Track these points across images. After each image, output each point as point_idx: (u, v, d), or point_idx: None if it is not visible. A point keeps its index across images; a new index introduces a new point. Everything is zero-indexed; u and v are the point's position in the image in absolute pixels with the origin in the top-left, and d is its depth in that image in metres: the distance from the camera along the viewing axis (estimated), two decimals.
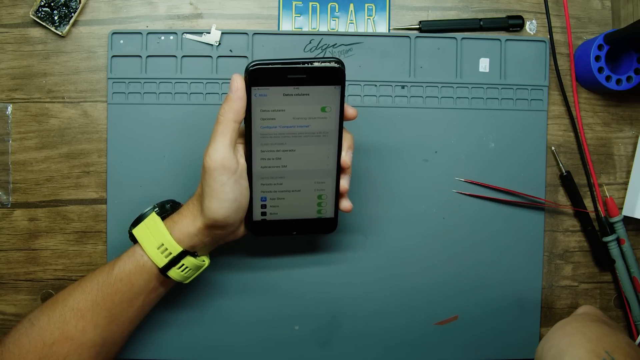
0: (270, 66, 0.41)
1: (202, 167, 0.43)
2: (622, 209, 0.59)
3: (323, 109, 0.44)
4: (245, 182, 0.45)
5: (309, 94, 0.43)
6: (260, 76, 0.42)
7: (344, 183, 0.47)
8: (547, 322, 0.59)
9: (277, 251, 0.56)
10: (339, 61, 0.42)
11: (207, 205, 0.43)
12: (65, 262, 0.56)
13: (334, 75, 0.42)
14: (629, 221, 0.59)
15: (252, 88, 0.42)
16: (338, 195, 0.48)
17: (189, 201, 0.47)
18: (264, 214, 0.48)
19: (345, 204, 0.48)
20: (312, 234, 0.51)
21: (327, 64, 0.42)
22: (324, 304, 0.57)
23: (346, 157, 0.46)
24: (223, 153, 0.42)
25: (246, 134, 0.44)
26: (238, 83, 0.42)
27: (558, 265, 0.59)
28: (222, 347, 0.56)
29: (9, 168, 0.56)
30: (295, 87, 0.42)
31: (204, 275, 0.50)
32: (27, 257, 0.56)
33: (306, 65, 0.41)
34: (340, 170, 0.47)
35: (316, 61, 0.42)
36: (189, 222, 0.45)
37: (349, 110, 0.45)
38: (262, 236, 0.49)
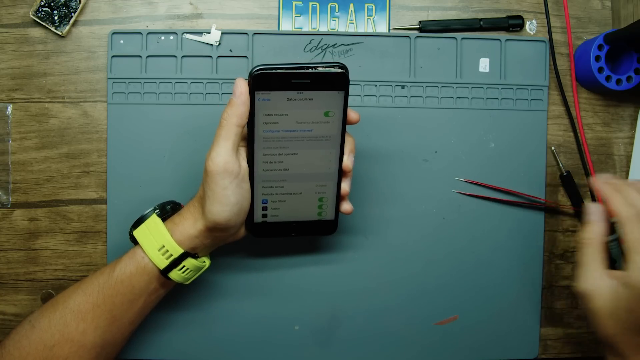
0: (274, 71, 0.41)
1: (204, 170, 0.43)
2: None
3: (326, 114, 0.43)
4: (247, 185, 0.45)
5: (312, 99, 0.42)
6: (264, 81, 0.41)
7: (345, 186, 0.47)
8: (547, 322, 0.59)
9: (278, 252, 0.56)
10: (342, 66, 0.42)
11: (209, 208, 0.43)
12: (65, 262, 0.56)
13: (338, 81, 0.42)
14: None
15: (256, 92, 0.42)
16: (339, 197, 0.48)
17: (190, 203, 0.47)
18: (264, 215, 0.48)
19: (346, 206, 0.49)
20: (312, 236, 0.51)
21: (332, 69, 0.42)
22: (324, 304, 0.57)
23: (348, 161, 0.46)
24: (225, 157, 0.42)
25: (249, 138, 0.44)
26: (242, 87, 0.42)
27: (558, 265, 0.59)
28: (222, 347, 0.56)
29: (9, 168, 0.56)
30: (299, 92, 0.42)
31: (204, 275, 0.50)
32: (27, 257, 0.56)
33: (310, 70, 0.41)
34: (341, 173, 0.47)
35: (320, 66, 0.41)
36: (190, 224, 0.45)
37: (352, 115, 0.45)
38: (262, 237, 0.49)
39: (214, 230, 0.45)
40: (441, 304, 0.57)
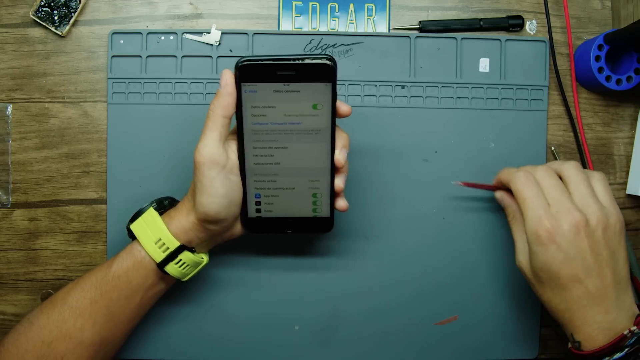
0: (259, 62, 0.41)
1: (193, 162, 0.43)
2: (625, 189, 0.59)
3: (314, 106, 0.43)
4: (236, 178, 0.45)
5: (299, 91, 0.42)
6: (249, 72, 0.41)
7: (339, 182, 0.46)
8: (547, 322, 0.59)
9: (278, 251, 0.56)
10: (330, 58, 0.41)
11: (199, 200, 0.43)
12: (65, 262, 0.56)
13: (324, 72, 0.42)
14: (633, 200, 0.59)
15: (242, 84, 0.42)
16: (334, 194, 0.47)
17: (185, 197, 0.47)
18: (258, 210, 0.48)
19: (341, 203, 0.48)
20: (308, 233, 0.50)
21: (317, 61, 0.41)
22: (323, 304, 0.57)
23: (339, 156, 0.45)
24: (212, 148, 0.42)
25: (238, 131, 0.44)
26: (227, 78, 0.42)
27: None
28: (221, 347, 0.56)
29: (9, 168, 0.56)
30: (285, 83, 0.42)
31: (203, 275, 0.50)
32: (27, 257, 0.56)
33: (295, 61, 0.41)
34: (334, 169, 0.46)
35: (307, 58, 0.41)
36: (183, 217, 0.45)
37: (343, 107, 0.44)
38: (258, 233, 0.49)
39: (205, 222, 0.45)
40: (441, 304, 0.57)
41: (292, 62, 0.41)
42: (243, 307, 0.56)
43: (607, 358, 0.41)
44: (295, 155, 0.45)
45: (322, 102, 0.43)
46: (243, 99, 0.42)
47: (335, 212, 0.48)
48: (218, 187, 0.43)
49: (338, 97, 0.44)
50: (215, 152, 0.42)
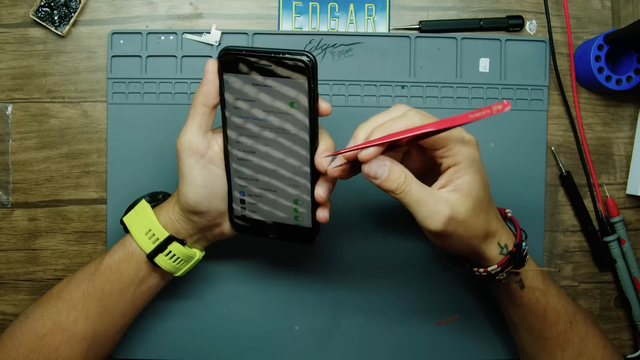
0: (238, 53, 0.40)
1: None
2: (625, 189, 0.59)
3: (291, 104, 0.41)
4: (217, 170, 0.44)
5: (276, 87, 0.40)
6: (230, 63, 0.41)
7: (319, 191, 0.42)
8: None
9: (278, 251, 0.56)
10: (309, 56, 0.39)
11: (180, 188, 0.44)
12: (65, 262, 0.56)
13: (299, 70, 0.39)
14: (633, 200, 0.59)
15: (224, 74, 0.41)
16: (315, 204, 0.44)
17: (176, 189, 0.47)
18: (243, 209, 0.46)
19: (320, 213, 0.44)
20: (290, 242, 0.47)
21: (294, 56, 0.39)
22: (324, 304, 0.57)
23: (319, 158, 0.41)
24: (190, 135, 0.42)
25: (222, 123, 0.43)
26: (209, 67, 0.42)
27: (558, 265, 0.59)
28: (221, 346, 0.56)
29: (9, 168, 0.56)
30: (263, 77, 0.40)
31: (203, 273, 0.50)
32: (27, 257, 0.56)
33: (271, 55, 0.40)
34: (316, 177, 0.43)
35: (287, 53, 0.39)
36: (170, 207, 0.46)
37: (322, 105, 0.41)
38: (243, 233, 0.48)
39: (187, 212, 0.44)
40: (441, 304, 0.57)
41: (268, 55, 0.40)
42: (243, 307, 0.56)
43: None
44: (275, 155, 0.43)
45: (299, 101, 0.41)
46: (225, 89, 0.42)
47: (319, 224, 0.45)
48: (196, 176, 0.43)
49: (328, 97, 0.42)
50: (193, 139, 0.42)
